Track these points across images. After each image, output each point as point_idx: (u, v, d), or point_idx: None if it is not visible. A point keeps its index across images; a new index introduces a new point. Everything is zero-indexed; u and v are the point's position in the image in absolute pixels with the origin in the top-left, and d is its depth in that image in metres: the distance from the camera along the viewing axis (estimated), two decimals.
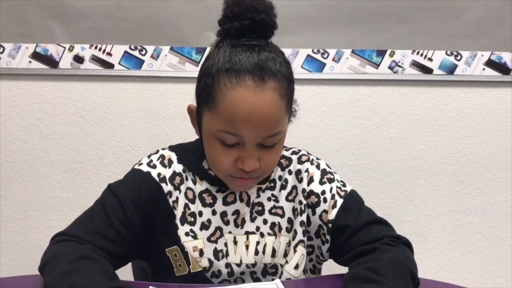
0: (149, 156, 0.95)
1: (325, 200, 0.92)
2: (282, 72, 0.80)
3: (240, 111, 0.78)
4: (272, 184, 0.96)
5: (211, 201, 0.93)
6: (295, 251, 0.94)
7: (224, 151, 0.83)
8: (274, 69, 0.79)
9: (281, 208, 0.94)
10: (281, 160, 0.98)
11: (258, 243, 0.92)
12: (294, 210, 0.94)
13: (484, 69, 1.67)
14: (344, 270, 0.88)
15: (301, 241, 0.94)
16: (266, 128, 0.80)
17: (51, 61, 1.63)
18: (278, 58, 0.82)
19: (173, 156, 0.95)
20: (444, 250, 1.78)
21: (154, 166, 0.92)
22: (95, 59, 1.63)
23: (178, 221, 0.91)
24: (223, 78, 0.79)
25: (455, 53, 1.66)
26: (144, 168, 0.92)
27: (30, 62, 1.63)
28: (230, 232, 0.92)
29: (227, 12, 0.83)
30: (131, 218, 0.87)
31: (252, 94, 0.77)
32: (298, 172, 0.96)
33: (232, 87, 0.78)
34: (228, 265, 0.91)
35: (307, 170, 0.95)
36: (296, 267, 0.93)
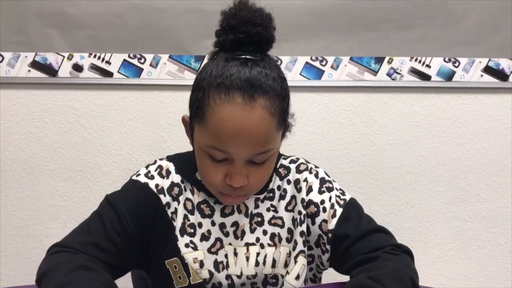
0: (146, 167, 0.95)
1: (324, 210, 0.91)
2: (274, 89, 0.79)
3: (228, 128, 0.77)
4: (271, 194, 0.95)
5: (210, 212, 0.93)
6: (295, 261, 0.93)
7: (213, 166, 0.83)
8: (265, 86, 0.78)
9: (281, 218, 0.94)
10: (280, 170, 0.97)
11: (258, 254, 0.92)
12: (293, 220, 0.94)
13: (482, 75, 1.67)
14: (344, 278, 0.88)
15: (301, 252, 0.93)
16: (255, 146, 0.79)
17: (50, 70, 1.64)
18: (272, 74, 0.80)
19: (171, 167, 0.94)
20: (444, 257, 1.78)
21: (152, 177, 0.92)
22: (94, 68, 1.64)
23: (177, 232, 0.90)
24: (213, 94, 0.78)
25: (453, 59, 1.66)
26: (142, 179, 0.91)
27: (29, 71, 1.63)
28: (230, 244, 0.92)
29: (224, 24, 0.82)
30: (128, 229, 0.86)
31: (240, 111, 0.76)
32: (297, 181, 0.95)
33: (221, 103, 0.77)
34: (228, 276, 0.91)
35: (305, 180, 0.94)
36: (297, 277, 0.93)
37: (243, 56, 0.81)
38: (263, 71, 0.79)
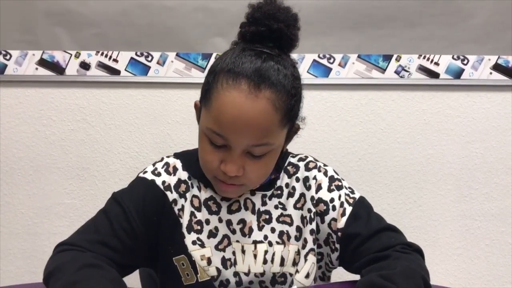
0: (153, 164, 0.95)
1: (334, 208, 0.91)
2: (283, 84, 0.79)
3: (228, 113, 0.77)
4: (278, 192, 0.95)
5: (216, 209, 0.92)
6: (305, 260, 0.92)
7: (211, 150, 0.83)
8: (274, 79, 0.78)
9: (289, 216, 0.93)
10: (288, 167, 0.97)
11: (266, 252, 0.91)
12: (303, 218, 0.93)
13: (491, 73, 1.66)
14: (353, 277, 0.88)
15: (311, 250, 0.93)
16: (252, 136, 0.79)
17: (57, 68, 1.64)
18: (285, 70, 0.80)
19: (178, 164, 0.94)
20: (452, 256, 1.77)
21: (159, 174, 0.92)
22: (102, 66, 1.64)
23: (184, 230, 0.90)
24: (222, 78, 0.79)
25: (461, 57, 1.65)
26: (149, 176, 0.91)
27: (36, 69, 1.63)
28: (237, 241, 0.92)
29: (248, 16, 0.83)
30: (135, 227, 0.86)
31: (243, 99, 0.76)
32: (306, 179, 0.95)
33: (227, 88, 0.77)
34: (236, 274, 0.91)
35: (315, 178, 0.94)
36: (307, 276, 0.92)
37: (259, 49, 0.81)
38: (276, 65, 0.80)
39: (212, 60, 1.62)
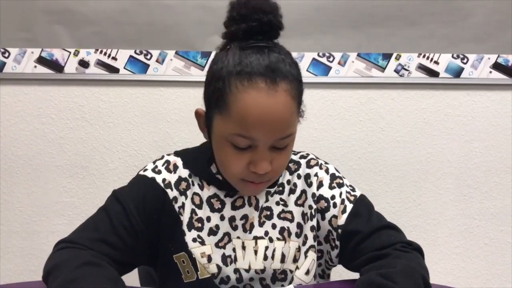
0: (154, 162, 0.94)
1: (334, 205, 0.91)
2: (292, 73, 0.80)
3: (253, 114, 0.77)
4: (280, 188, 0.95)
5: (220, 206, 0.92)
6: (306, 256, 0.92)
7: (236, 154, 0.82)
8: (284, 70, 0.78)
9: (290, 212, 0.93)
10: (290, 164, 0.97)
11: (267, 248, 0.91)
12: (303, 214, 0.93)
13: (490, 72, 1.66)
14: (352, 274, 0.88)
15: (311, 246, 0.93)
16: (279, 130, 0.79)
17: (56, 66, 1.63)
18: (287, 59, 0.81)
19: (179, 161, 0.94)
20: (451, 255, 1.77)
21: (159, 172, 0.91)
22: (100, 64, 1.63)
23: (185, 227, 0.90)
24: (235, 81, 0.78)
25: (461, 56, 1.65)
26: (149, 173, 0.91)
27: (35, 67, 1.63)
28: (238, 237, 0.91)
29: (233, 14, 0.82)
30: (136, 225, 0.86)
31: (265, 96, 0.76)
32: (307, 176, 0.95)
33: (244, 89, 0.77)
34: (236, 270, 0.91)
35: (316, 175, 0.94)
36: (307, 272, 0.92)
37: (256, 44, 0.81)
38: (280, 56, 0.80)
39: (212, 58, 1.61)
